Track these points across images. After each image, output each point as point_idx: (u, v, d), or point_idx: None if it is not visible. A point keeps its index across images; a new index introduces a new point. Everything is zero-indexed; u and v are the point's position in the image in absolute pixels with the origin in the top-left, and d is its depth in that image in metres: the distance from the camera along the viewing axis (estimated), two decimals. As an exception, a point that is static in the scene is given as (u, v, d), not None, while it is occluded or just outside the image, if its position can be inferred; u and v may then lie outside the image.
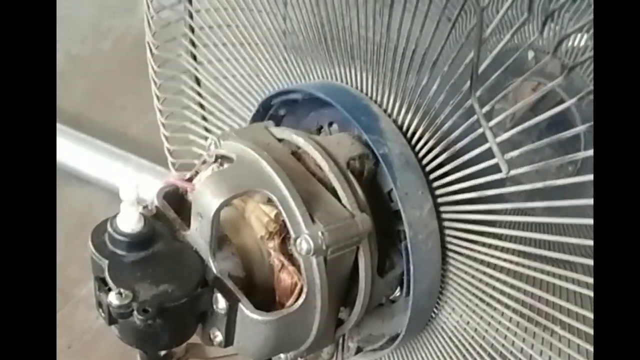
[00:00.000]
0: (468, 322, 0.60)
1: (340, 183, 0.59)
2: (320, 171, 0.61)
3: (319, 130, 0.70)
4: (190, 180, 0.64)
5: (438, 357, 0.64)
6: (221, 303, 0.56)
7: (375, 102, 0.62)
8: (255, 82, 0.74)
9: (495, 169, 0.54)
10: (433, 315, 0.63)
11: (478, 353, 0.60)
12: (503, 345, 0.58)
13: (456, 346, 0.62)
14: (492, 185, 0.55)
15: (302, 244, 0.55)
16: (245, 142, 0.60)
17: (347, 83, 0.64)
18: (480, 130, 0.53)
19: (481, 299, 0.58)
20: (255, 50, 0.73)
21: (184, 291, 0.55)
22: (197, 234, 0.57)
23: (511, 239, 0.56)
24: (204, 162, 0.63)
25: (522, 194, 0.55)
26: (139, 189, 0.55)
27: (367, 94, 0.62)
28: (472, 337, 0.60)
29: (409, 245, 0.58)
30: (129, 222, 0.56)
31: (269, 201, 0.57)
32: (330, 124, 0.68)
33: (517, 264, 0.55)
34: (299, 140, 0.61)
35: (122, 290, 0.53)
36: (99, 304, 0.56)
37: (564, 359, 0.54)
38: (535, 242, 0.55)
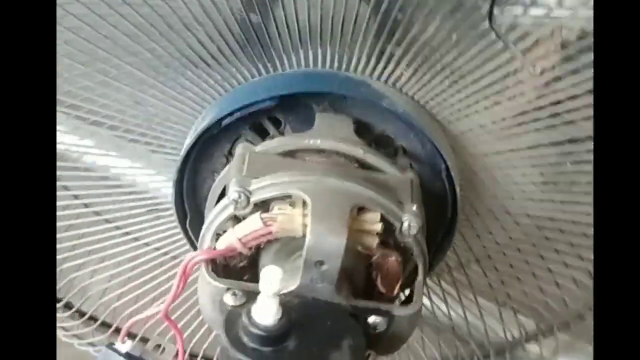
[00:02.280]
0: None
1: (377, 157, 0.64)
2: (338, 160, 0.64)
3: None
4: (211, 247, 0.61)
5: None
6: (379, 322, 0.59)
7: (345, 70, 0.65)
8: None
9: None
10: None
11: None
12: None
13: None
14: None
15: (412, 225, 0.60)
16: (281, 174, 0.59)
17: (299, 67, 0.65)
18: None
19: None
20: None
21: (360, 334, 0.57)
22: (313, 283, 0.57)
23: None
24: (232, 218, 0.60)
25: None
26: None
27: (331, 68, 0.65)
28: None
29: (452, 174, 0.67)
30: (272, 314, 0.53)
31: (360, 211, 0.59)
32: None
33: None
34: (316, 142, 0.63)
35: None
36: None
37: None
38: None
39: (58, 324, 0.85)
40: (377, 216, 0.59)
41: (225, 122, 0.65)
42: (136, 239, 0.82)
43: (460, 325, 0.93)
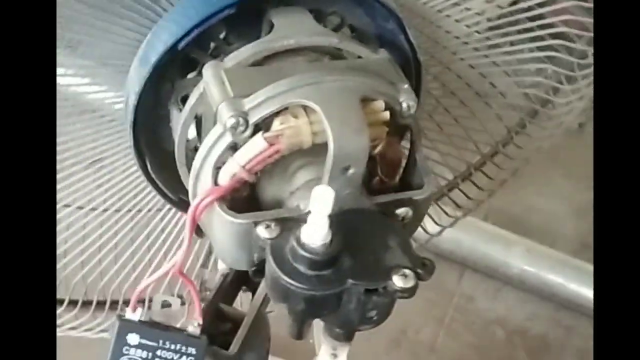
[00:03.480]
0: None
1: (351, 43, 0.62)
2: (312, 56, 0.61)
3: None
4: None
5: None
6: (405, 211, 0.58)
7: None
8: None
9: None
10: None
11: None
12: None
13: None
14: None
15: (410, 105, 0.58)
16: (273, 86, 0.55)
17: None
18: None
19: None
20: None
21: (400, 229, 0.57)
22: (338, 193, 0.53)
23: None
24: (231, 146, 0.55)
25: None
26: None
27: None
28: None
29: (416, 48, 0.66)
30: (325, 235, 0.51)
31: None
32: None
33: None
34: (289, 42, 0.59)
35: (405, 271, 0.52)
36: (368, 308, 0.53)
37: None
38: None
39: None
40: (382, 104, 0.57)
41: (182, 45, 0.59)
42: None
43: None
